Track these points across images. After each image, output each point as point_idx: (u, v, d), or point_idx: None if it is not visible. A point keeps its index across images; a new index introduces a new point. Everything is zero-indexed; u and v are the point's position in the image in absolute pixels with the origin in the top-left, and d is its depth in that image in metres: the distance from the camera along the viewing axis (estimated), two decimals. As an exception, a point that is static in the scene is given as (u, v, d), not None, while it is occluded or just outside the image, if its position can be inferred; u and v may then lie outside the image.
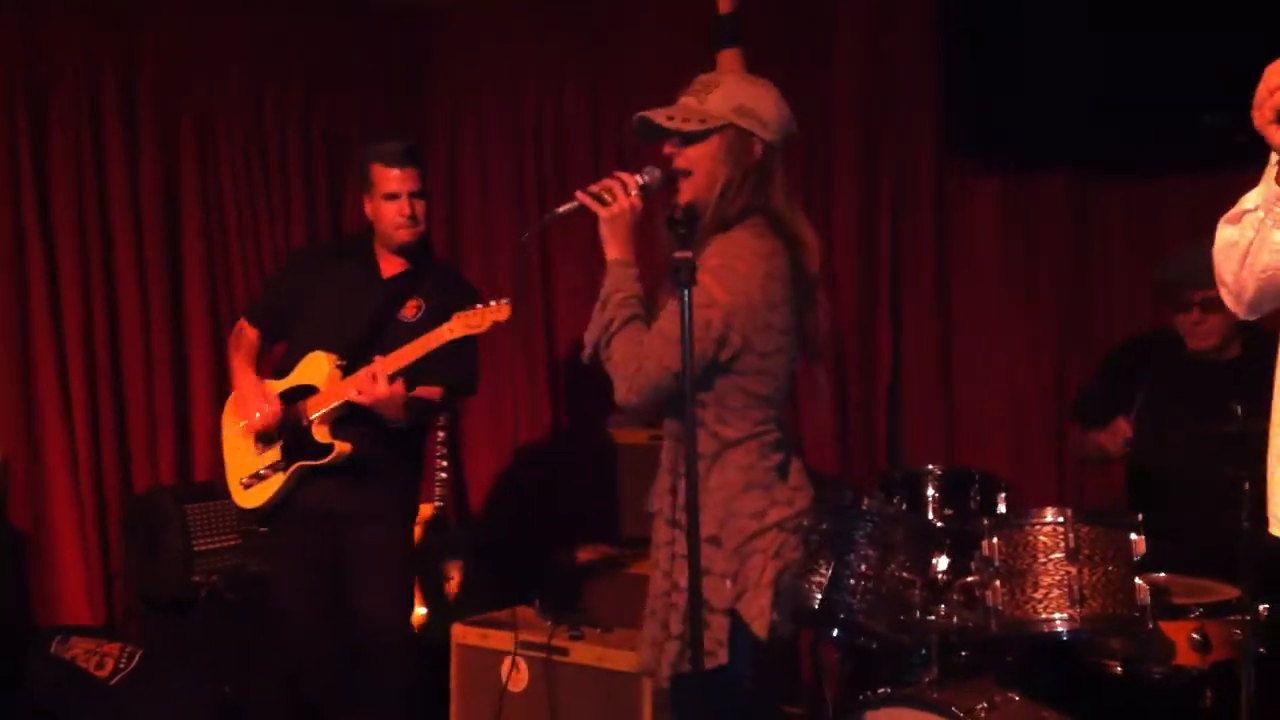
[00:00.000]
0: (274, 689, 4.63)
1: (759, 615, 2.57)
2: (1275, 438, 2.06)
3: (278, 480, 3.65)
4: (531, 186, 5.52)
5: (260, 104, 5.29)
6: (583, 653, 3.36)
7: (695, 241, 2.53)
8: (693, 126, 2.59)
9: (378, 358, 3.44)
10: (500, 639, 3.51)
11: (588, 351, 2.60)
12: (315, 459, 3.58)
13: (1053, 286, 4.59)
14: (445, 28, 5.76)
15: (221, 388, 5.11)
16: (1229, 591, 3.17)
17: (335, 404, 3.53)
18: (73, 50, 4.67)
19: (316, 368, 3.64)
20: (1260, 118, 1.87)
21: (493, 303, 3.34)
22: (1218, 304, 2.20)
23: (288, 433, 3.65)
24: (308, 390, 3.63)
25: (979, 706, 2.99)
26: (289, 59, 5.37)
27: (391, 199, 3.68)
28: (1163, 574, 3.30)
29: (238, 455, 3.80)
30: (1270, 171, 1.93)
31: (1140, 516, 3.02)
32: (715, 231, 2.59)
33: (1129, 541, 2.98)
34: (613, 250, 2.57)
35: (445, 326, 3.38)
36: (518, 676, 3.46)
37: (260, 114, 5.29)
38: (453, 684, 3.61)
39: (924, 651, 3.23)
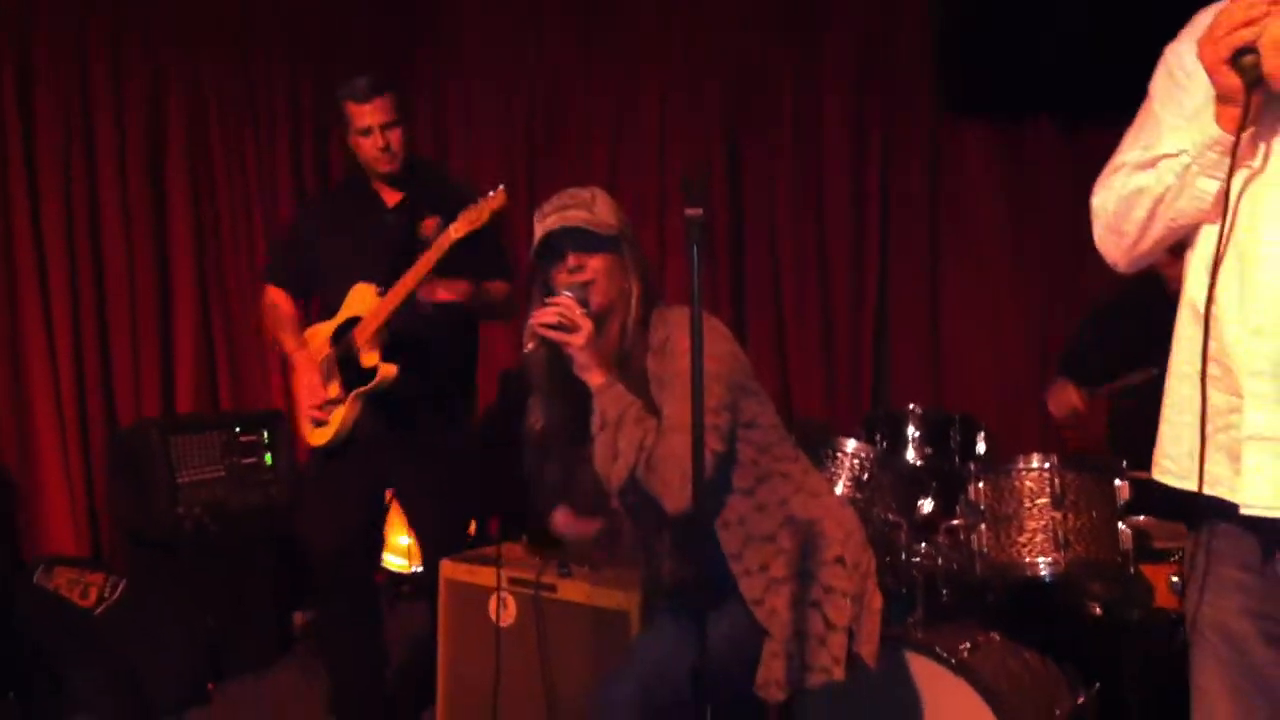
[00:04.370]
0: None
1: (869, 640, 2.62)
2: (1173, 386, 2.06)
3: (339, 413, 3.74)
4: (521, 156, 5.49)
5: (248, 67, 5.28)
6: (571, 589, 3.38)
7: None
8: (608, 233, 2.58)
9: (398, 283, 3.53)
10: (488, 575, 3.52)
11: (619, 482, 2.48)
12: (366, 384, 3.67)
13: (1041, 235, 4.63)
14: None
15: (206, 319, 5.14)
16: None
17: (378, 324, 3.61)
18: (59, 5, 4.64)
19: (361, 298, 3.71)
20: (1211, 54, 1.84)
21: (490, 193, 3.36)
22: None
23: (343, 367, 3.75)
24: (355, 322, 3.71)
25: (962, 647, 3.04)
26: (277, 21, 5.35)
27: (365, 134, 3.71)
28: (1143, 517, 3.35)
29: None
30: (1205, 114, 1.91)
31: (1125, 463, 3.07)
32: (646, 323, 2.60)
33: (1113, 488, 3.03)
34: (597, 375, 2.50)
35: (451, 228, 3.41)
36: (505, 612, 3.48)
37: (249, 78, 5.29)
38: (440, 619, 3.63)
39: (907, 593, 3.28)
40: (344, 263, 3.80)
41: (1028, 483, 3.03)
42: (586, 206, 2.59)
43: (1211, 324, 1.92)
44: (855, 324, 4.94)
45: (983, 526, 3.07)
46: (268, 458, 4.78)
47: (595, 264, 2.57)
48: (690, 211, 2.17)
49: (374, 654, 3.92)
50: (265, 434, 4.79)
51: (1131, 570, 3.00)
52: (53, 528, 4.63)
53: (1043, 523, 3.00)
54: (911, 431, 3.70)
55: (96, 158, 4.79)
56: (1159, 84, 2.10)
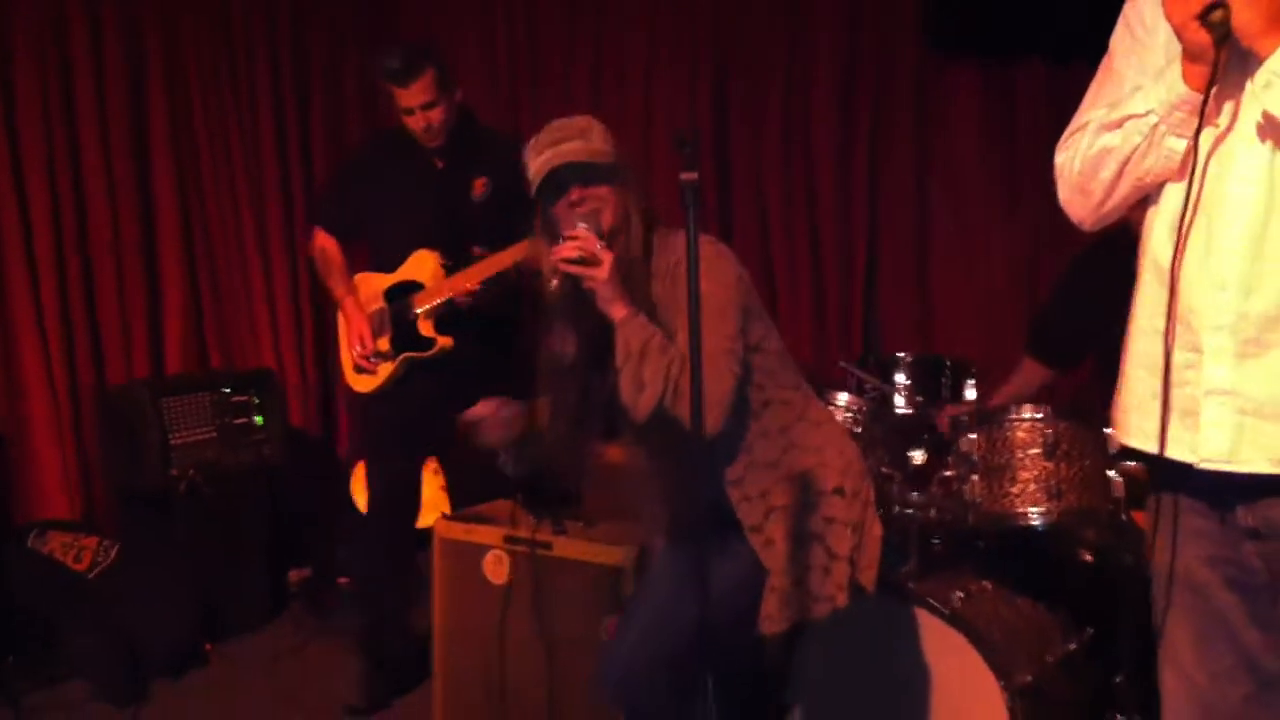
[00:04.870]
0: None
1: (869, 566, 2.66)
2: (1134, 343, 2.07)
3: (386, 369, 3.89)
4: (505, 107, 5.43)
5: (228, 21, 5.21)
6: (566, 547, 3.39)
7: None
8: (606, 162, 2.56)
9: (474, 262, 3.70)
10: (483, 533, 3.54)
11: (645, 412, 2.45)
12: (420, 351, 3.83)
13: (1030, 180, 4.60)
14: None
15: (193, 277, 5.11)
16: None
17: (439, 300, 3.78)
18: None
19: (422, 265, 3.85)
20: (1181, 10, 1.84)
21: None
22: None
23: (396, 325, 3.88)
24: (413, 286, 3.85)
25: (955, 596, 3.06)
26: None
27: (408, 114, 3.78)
28: (1134, 463, 3.36)
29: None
30: (1172, 73, 1.91)
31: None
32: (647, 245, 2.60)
33: (1104, 436, 3.04)
34: (620, 308, 2.46)
35: (511, 250, 3.57)
36: (500, 570, 3.50)
37: (228, 31, 5.22)
38: (435, 577, 3.64)
39: (901, 543, 3.30)
40: (395, 216, 3.92)
41: (1020, 433, 3.04)
42: (582, 136, 2.56)
43: (1175, 281, 1.93)
44: (845, 271, 4.92)
45: (975, 477, 3.08)
46: (259, 418, 4.77)
47: (598, 195, 2.55)
48: (686, 176, 2.16)
49: (407, 597, 4.07)
50: (256, 394, 4.78)
51: (1123, 517, 3.02)
52: (45, 491, 4.62)
53: (1035, 473, 3.01)
54: (901, 379, 3.70)
55: (78, 122, 4.73)
56: (1119, 40, 2.10)
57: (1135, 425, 2.05)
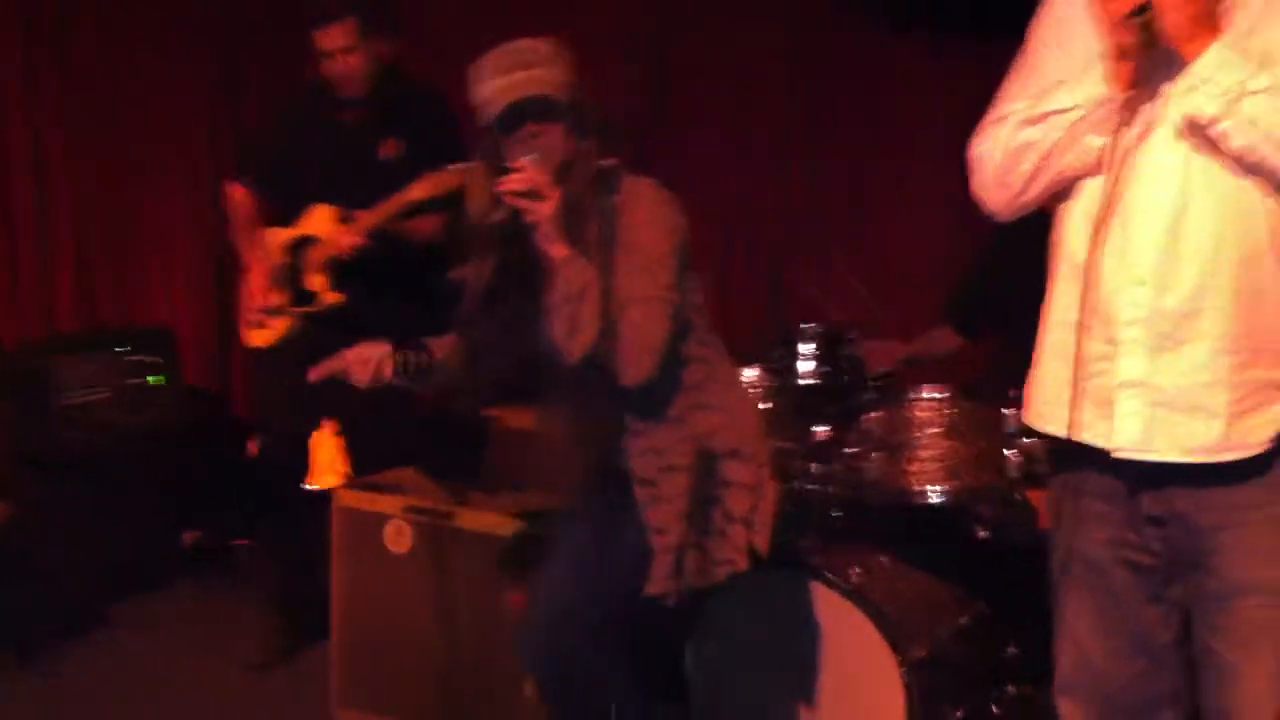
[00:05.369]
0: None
1: (763, 529, 2.66)
2: (1049, 334, 2.13)
3: (280, 325, 3.89)
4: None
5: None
6: (468, 518, 3.37)
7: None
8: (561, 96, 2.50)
9: (358, 213, 3.69)
10: (384, 502, 3.50)
11: (580, 351, 2.42)
12: (310, 307, 3.83)
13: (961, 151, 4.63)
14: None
15: (86, 229, 4.96)
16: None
17: (330, 255, 3.77)
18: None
19: (320, 219, 3.83)
20: (1114, 9, 1.88)
21: (461, 165, 3.37)
22: None
23: (291, 281, 3.86)
24: (311, 240, 3.83)
25: (853, 571, 3.11)
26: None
27: (327, 58, 3.75)
28: (1030, 439, 3.41)
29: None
30: (1095, 72, 1.95)
31: (1013, 392, 3.12)
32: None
33: (1003, 417, 3.09)
34: (560, 247, 2.42)
35: (413, 187, 3.55)
36: (402, 540, 3.47)
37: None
38: (334, 546, 3.60)
39: (801, 516, 3.33)
40: (305, 172, 3.91)
41: (920, 413, 3.09)
42: (539, 64, 2.50)
43: (1091, 275, 1.98)
44: (775, 240, 4.91)
45: (876, 454, 3.12)
46: (156, 378, 4.67)
47: (552, 131, 2.50)
48: (605, 161, 2.15)
49: (304, 555, 3.98)
50: (153, 354, 4.68)
51: (1018, 498, 3.07)
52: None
53: (935, 452, 3.06)
54: (805, 349, 3.72)
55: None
56: (1038, 34, 2.15)
57: (1050, 414, 2.10)
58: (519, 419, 3.91)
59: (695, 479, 2.61)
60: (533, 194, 2.39)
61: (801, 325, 3.74)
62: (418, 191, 3.54)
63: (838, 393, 3.65)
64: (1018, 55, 2.17)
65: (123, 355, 4.60)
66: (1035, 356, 2.16)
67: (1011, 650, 3.22)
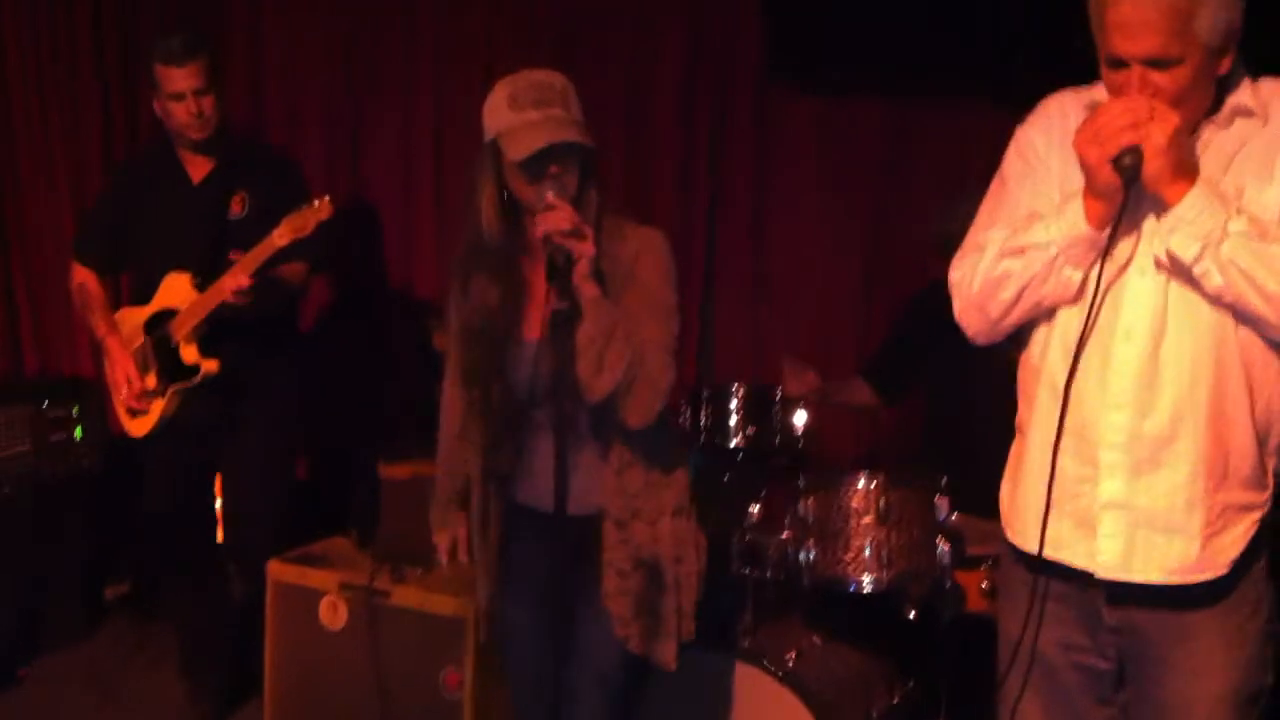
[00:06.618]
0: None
1: (691, 595, 2.69)
2: (1030, 455, 2.21)
3: (158, 406, 3.70)
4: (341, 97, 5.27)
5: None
6: (404, 595, 3.37)
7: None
8: (583, 139, 2.46)
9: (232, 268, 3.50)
10: (319, 578, 3.49)
11: (605, 390, 2.41)
12: (186, 381, 3.64)
13: (865, 209, 4.69)
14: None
15: (8, 277, 4.86)
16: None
17: (196, 320, 3.58)
18: None
19: (175, 289, 3.65)
20: (1097, 153, 1.95)
21: (315, 203, 3.37)
22: None
23: (160, 358, 3.69)
24: (171, 313, 3.64)
25: (787, 656, 3.16)
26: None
27: (177, 99, 3.61)
28: (955, 516, 3.48)
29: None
30: (1073, 209, 2.03)
31: (945, 479, 3.19)
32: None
33: (933, 504, 3.16)
34: (593, 287, 2.38)
35: (274, 234, 3.39)
36: (337, 616, 3.46)
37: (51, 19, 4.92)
38: (268, 622, 3.58)
39: (736, 599, 3.36)
40: (152, 241, 3.74)
41: (854, 501, 3.14)
42: (564, 104, 2.47)
43: (1071, 399, 2.05)
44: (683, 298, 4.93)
45: (810, 541, 3.17)
46: (77, 431, 4.60)
47: (573, 171, 2.47)
48: (558, 305, 2.16)
49: (219, 616, 3.96)
50: (74, 405, 4.60)
51: (948, 584, 3.15)
52: None
53: (868, 539, 3.11)
54: (734, 407, 3.75)
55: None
56: (1011, 166, 2.23)
57: (1032, 532, 2.16)
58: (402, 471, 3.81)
59: (651, 549, 2.62)
60: (577, 232, 2.35)
61: (733, 385, 3.76)
62: (280, 237, 3.39)
63: (766, 456, 3.71)
64: (993, 181, 2.25)
65: (43, 408, 4.51)
66: (1013, 474, 2.26)
67: (940, 727, 3.29)
